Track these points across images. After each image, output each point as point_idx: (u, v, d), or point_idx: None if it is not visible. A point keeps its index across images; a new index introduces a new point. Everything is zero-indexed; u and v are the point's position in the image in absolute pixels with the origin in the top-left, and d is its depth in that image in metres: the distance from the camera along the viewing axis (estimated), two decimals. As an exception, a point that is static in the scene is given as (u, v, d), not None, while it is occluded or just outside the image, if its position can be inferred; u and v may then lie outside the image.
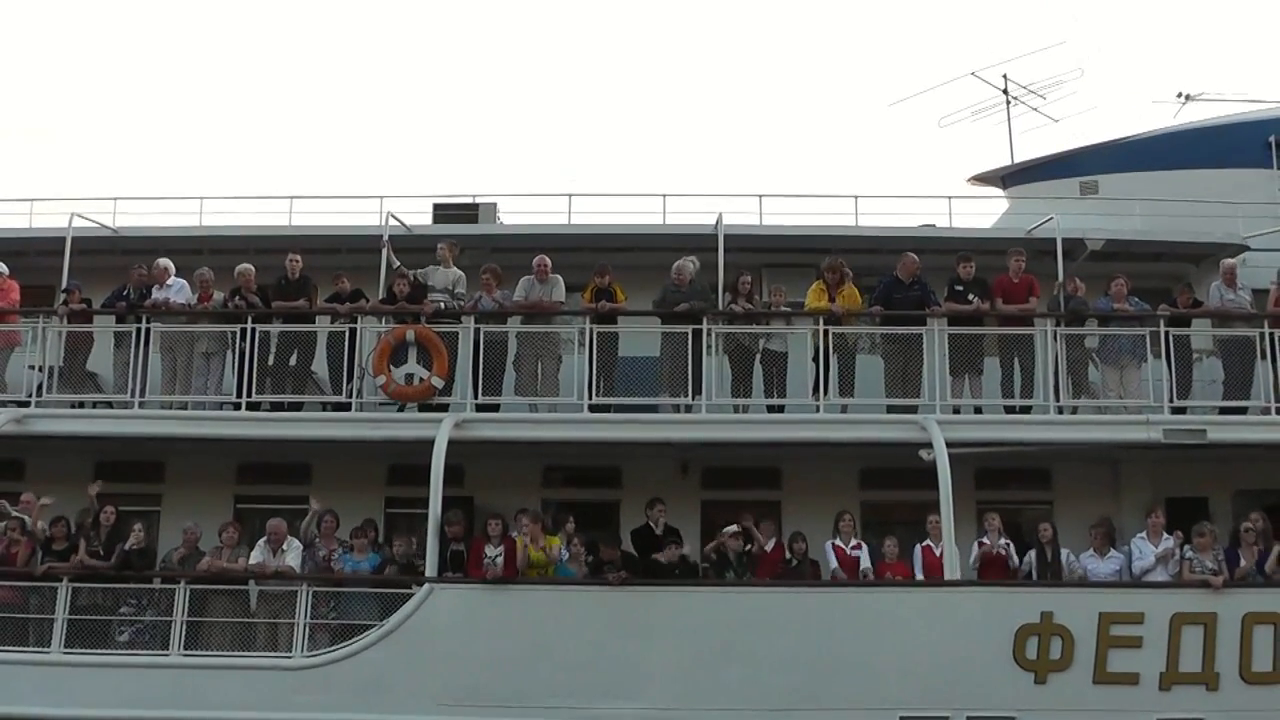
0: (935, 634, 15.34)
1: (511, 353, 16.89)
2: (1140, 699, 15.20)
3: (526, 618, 15.43)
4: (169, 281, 17.65)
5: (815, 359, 16.85)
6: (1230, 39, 60.47)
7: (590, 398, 16.56)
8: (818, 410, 16.72)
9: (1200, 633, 15.32)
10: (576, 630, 15.38)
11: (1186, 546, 16.10)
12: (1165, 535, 16.23)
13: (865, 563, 16.35)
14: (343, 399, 16.88)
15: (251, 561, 15.85)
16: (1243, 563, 16.02)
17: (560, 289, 17.27)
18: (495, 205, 21.01)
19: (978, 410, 17.14)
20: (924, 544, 16.26)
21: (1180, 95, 24.20)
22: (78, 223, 18.97)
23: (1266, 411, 17.06)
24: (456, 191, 22.51)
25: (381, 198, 19.98)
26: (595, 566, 15.87)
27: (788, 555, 16.51)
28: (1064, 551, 16.34)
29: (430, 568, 15.47)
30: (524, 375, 16.85)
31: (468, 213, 20.72)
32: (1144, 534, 16.32)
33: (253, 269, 17.52)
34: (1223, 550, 16.12)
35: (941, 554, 15.83)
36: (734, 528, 16.16)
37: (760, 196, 20.48)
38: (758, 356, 17.02)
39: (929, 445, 15.81)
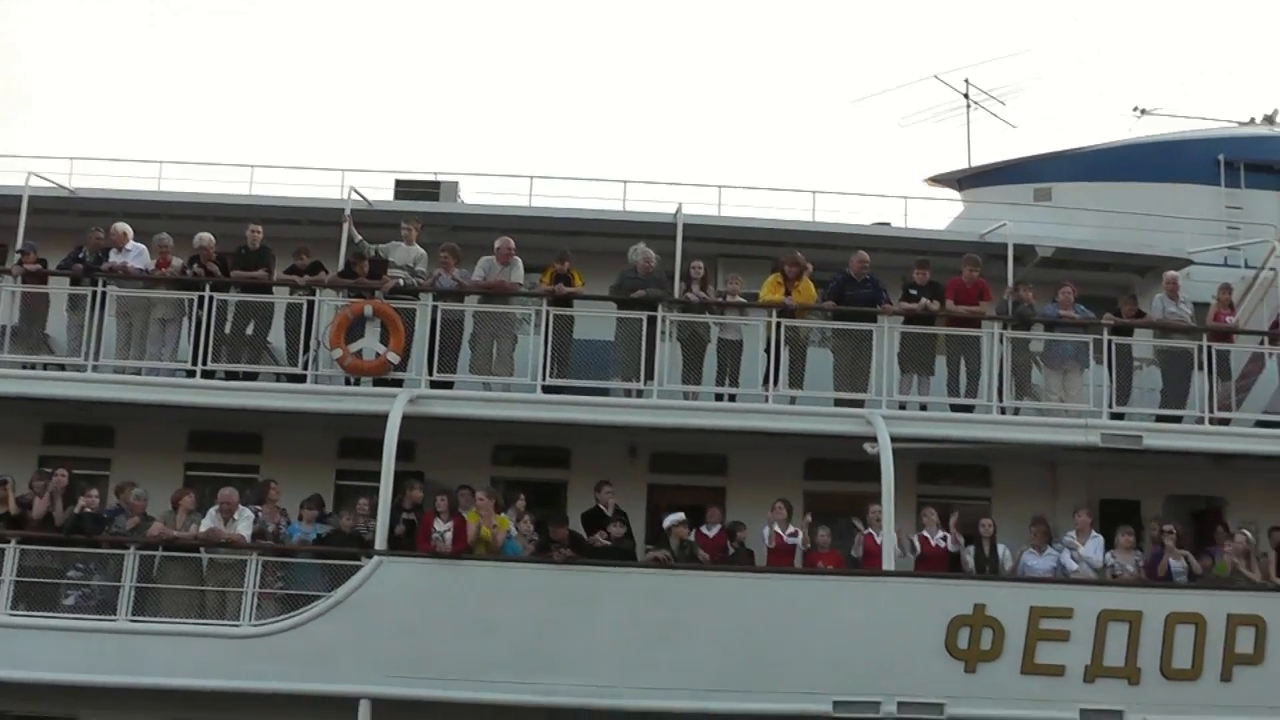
0: (870, 622, 15.75)
1: (468, 332, 17.07)
2: (1065, 690, 15.73)
3: (474, 593, 15.69)
4: (127, 246, 17.65)
5: (767, 350, 17.16)
6: (1188, 58, 61.32)
7: (544, 379, 16.78)
8: (767, 400, 17.02)
9: (1126, 629, 15.85)
10: (522, 607, 15.63)
11: (1110, 553, 16.66)
12: (1093, 533, 16.79)
13: (799, 555, 16.73)
14: (298, 370, 16.99)
15: (202, 529, 15.95)
16: (1171, 564, 16.56)
17: (519, 271, 17.48)
18: (457, 184, 21.13)
19: (923, 407, 17.49)
20: (865, 532, 16.65)
21: (1136, 109, 24.71)
22: (34, 182, 18.87)
23: (1201, 421, 17.53)
24: (419, 168, 22.60)
25: (343, 171, 20.11)
26: (543, 545, 16.14)
27: (728, 543, 16.84)
28: (1000, 547, 16.83)
29: (380, 541, 15.66)
30: (479, 354, 17.03)
31: (429, 190, 20.85)
32: (1073, 532, 16.87)
33: (212, 239, 17.58)
34: (1143, 554, 16.79)
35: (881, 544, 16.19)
36: (679, 515, 16.50)
37: (720, 188, 20.77)
38: (711, 345, 17.30)
39: (874, 439, 16.18)
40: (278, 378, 17.19)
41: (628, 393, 17.02)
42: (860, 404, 17.00)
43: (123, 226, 17.79)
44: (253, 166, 20.59)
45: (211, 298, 17.02)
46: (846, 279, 17.75)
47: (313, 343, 17.01)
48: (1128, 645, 15.84)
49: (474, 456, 17.89)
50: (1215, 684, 15.97)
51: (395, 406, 16.07)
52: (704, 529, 16.89)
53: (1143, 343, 18.15)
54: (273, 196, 19.72)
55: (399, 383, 16.90)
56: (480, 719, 15.77)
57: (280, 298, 17.41)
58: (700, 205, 20.03)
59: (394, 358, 16.76)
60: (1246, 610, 16.12)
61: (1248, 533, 17.00)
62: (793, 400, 17.16)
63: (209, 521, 15.99)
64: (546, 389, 16.78)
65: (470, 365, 17.06)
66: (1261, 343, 18.78)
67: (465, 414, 16.76)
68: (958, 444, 17.13)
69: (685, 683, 15.45)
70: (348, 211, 18.29)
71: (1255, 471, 18.31)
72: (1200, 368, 17.72)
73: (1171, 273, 18.80)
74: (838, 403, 17.12)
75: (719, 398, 17.33)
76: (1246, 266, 21.11)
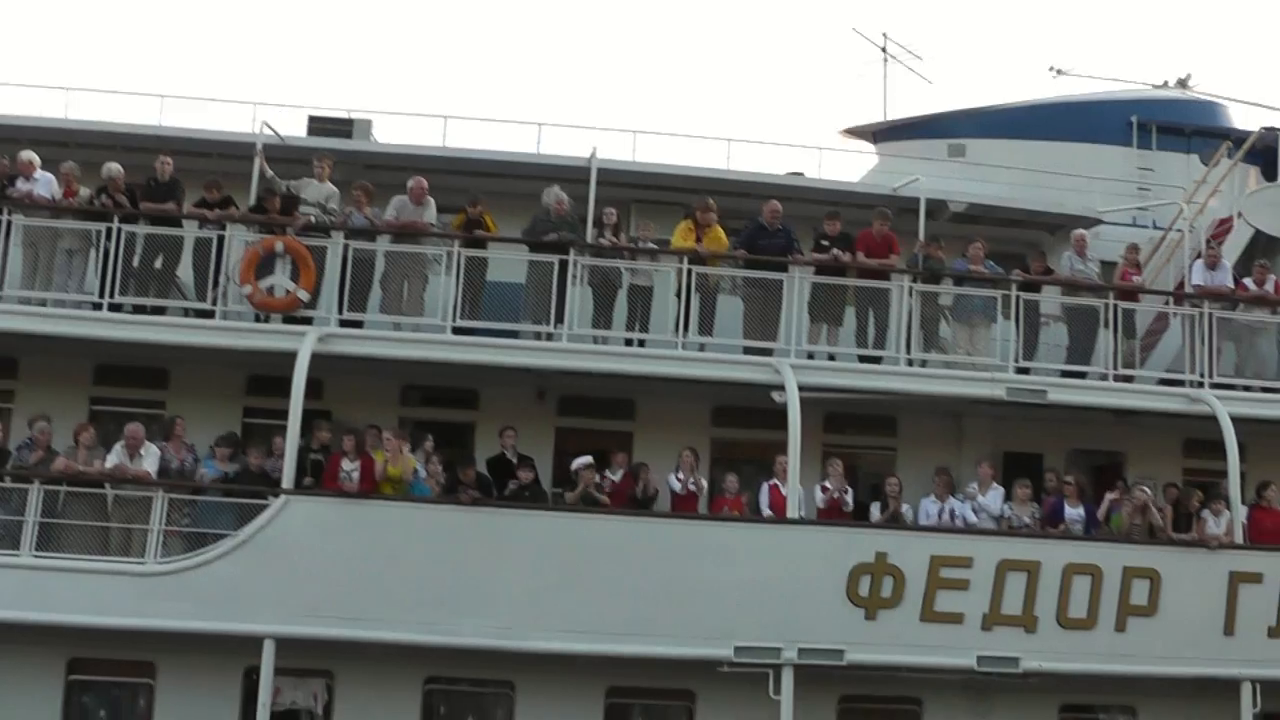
0: (774, 569, 15.93)
1: (379, 271, 16.96)
2: (963, 637, 16.07)
3: (380, 533, 15.67)
4: (35, 175, 17.30)
5: (678, 296, 17.22)
6: (1105, 19, 61.87)
7: (454, 320, 16.73)
8: (677, 347, 17.09)
9: (1024, 579, 16.18)
10: (428, 548, 15.66)
11: (1008, 504, 17.05)
12: (994, 485, 17.14)
13: (704, 502, 16.93)
14: (206, 306, 16.76)
15: (108, 465, 15.78)
16: (1071, 512, 17.03)
17: (432, 211, 17.36)
18: (370, 122, 20.94)
19: (831, 357, 17.64)
20: (770, 482, 16.83)
21: (1052, 69, 25.07)
22: (-66, 107, 18.49)
23: (1105, 378, 17.87)
24: (332, 105, 22.37)
25: (255, 104, 19.85)
26: (451, 486, 16.15)
27: (634, 486, 16.95)
28: (905, 507, 17.11)
29: (287, 480, 15.57)
30: (390, 294, 16.94)
31: (342, 127, 20.63)
32: (975, 483, 17.20)
33: (121, 170, 17.26)
34: (1040, 506, 17.21)
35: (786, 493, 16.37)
36: (586, 459, 16.57)
37: (635, 133, 20.80)
38: (622, 290, 17.34)
39: (781, 387, 16.31)
40: (186, 313, 16.92)
41: (537, 335, 17.00)
42: (769, 353, 17.10)
43: (29, 155, 17.39)
44: (163, 96, 20.24)
45: (120, 229, 16.70)
46: (759, 228, 17.82)
47: (222, 278, 16.78)
48: (1025, 594, 16.18)
49: (382, 396, 17.78)
50: (1109, 634, 16.39)
51: (304, 344, 15.95)
52: (609, 473, 16.97)
53: (1050, 299, 18.41)
54: (183, 128, 19.36)
55: (308, 321, 16.74)
56: (385, 659, 15.83)
57: (190, 231, 17.12)
58: (615, 150, 19.95)
59: (304, 295, 16.59)
60: (1142, 563, 16.53)
61: (1145, 488, 17.39)
62: (702, 347, 17.23)
63: (115, 457, 15.80)
64: (456, 330, 16.72)
65: (381, 305, 16.96)
66: (1166, 303, 19.12)
67: (374, 353, 16.64)
68: (865, 394, 17.31)
69: (589, 625, 15.58)
70: (259, 146, 18.06)
71: (1155, 428, 18.70)
72: (1106, 325, 18.03)
73: (1080, 231, 19.11)
74: (747, 351, 17.23)
75: (629, 343, 17.35)
76: (1155, 228, 21.58)
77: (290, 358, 15.81)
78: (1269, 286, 18.81)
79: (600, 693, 16.55)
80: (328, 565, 15.48)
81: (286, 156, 18.29)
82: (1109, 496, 17.29)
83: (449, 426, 17.94)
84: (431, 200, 17.36)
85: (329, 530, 15.62)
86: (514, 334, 17.09)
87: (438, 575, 15.58)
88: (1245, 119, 23.76)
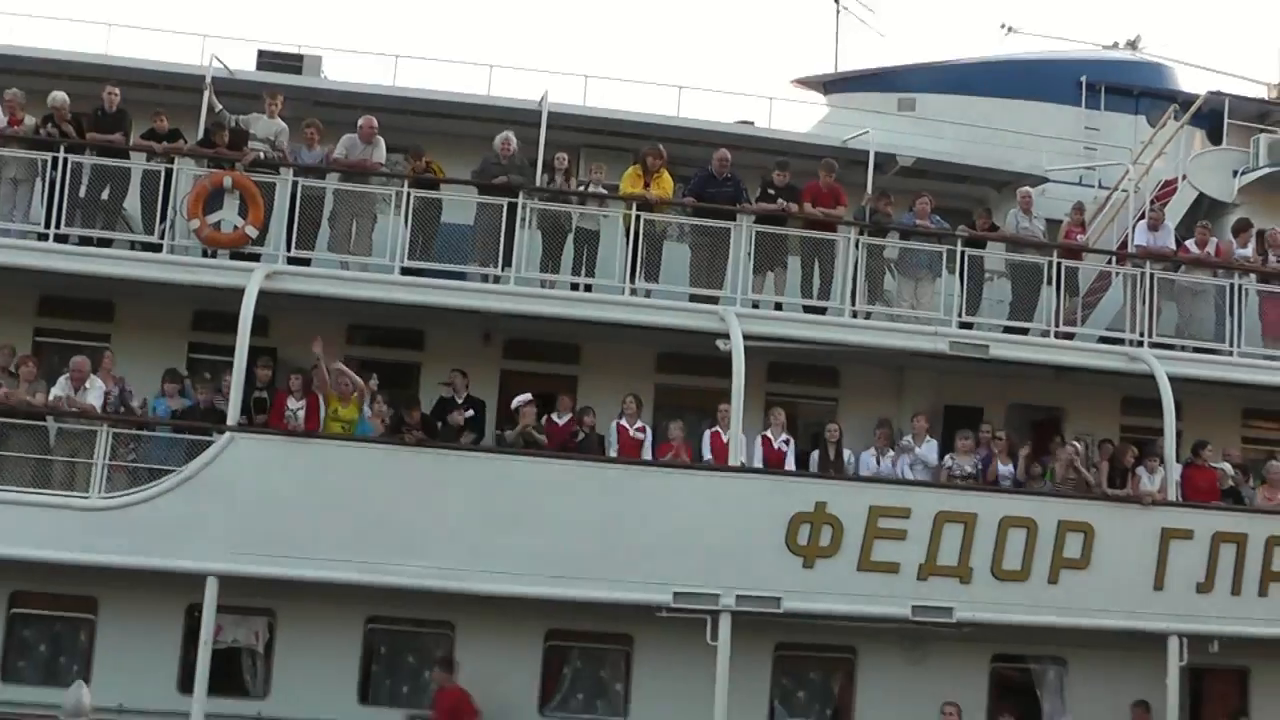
0: (714, 516, 16.04)
1: (328, 209, 16.87)
2: (899, 587, 16.27)
3: (324, 473, 15.64)
4: (-23, 102, 17.07)
5: (626, 236, 17.23)
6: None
7: (402, 260, 16.69)
8: (623, 293, 17.14)
9: (960, 530, 16.41)
10: (372, 488, 15.64)
11: (950, 455, 17.27)
12: (928, 438, 17.41)
13: (647, 448, 17.00)
14: (153, 239, 16.63)
15: (51, 397, 15.68)
16: (1002, 468, 17.29)
17: (381, 150, 17.26)
18: (320, 58, 20.74)
19: (777, 307, 17.74)
20: (713, 430, 16.96)
21: (1004, 26, 25.19)
22: (-122, 32, 18.13)
23: (1046, 334, 18.11)
24: (282, 40, 22.14)
25: (205, 36, 19.67)
26: (395, 426, 16.17)
27: (577, 429, 17.05)
28: (846, 451, 17.33)
29: (232, 417, 15.54)
30: (338, 233, 16.86)
31: (292, 63, 20.40)
32: (909, 435, 17.47)
33: (67, 99, 17.04)
34: (980, 458, 17.43)
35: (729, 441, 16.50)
36: (526, 396, 16.64)
37: (586, 77, 20.89)
38: (570, 235, 17.35)
39: (726, 336, 16.40)
40: (133, 245, 16.76)
41: (485, 278, 16.98)
42: (715, 301, 17.17)
43: (-29, 81, 17.16)
44: (110, 25, 19.99)
45: (66, 159, 16.50)
46: (708, 176, 17.83)
47: (169, 212, 16.64)
48: (961, 546, 16.42)
49: (329, 335, 17.57)
50: (1043, 586, 16.65)
51: (251, 281, 15.83)
52: (554, 416, 17.07)
53: (995, 255, 18.56)
54: (131, 58, 19.09)
55: (256, 257, 16.64)
56: (327, 598, 15.90)
57: (137, 163, 16.94)
58: (566, 94, 19.94)
59: (252, 231, 16.47)
60: (1077, 517, 16.81)
61: (1076, 443, 17.71)
62: (648, 294, 17.27)
63: (59, 390, 15.69)
64: (405, 271, 16.67)
65: (329, 243, 16.88)
66: (1109, 262, 19.35)
67: (322, 292, 16.52)
68: (809, 345, 17.42)
69: (530, 568, 15.63)
70: (209, 79, 17.92)
71: (1094, 385, 19.02)
72: (1049, 283, 18.21)
73: (1026, 189, 19.24)
74: (693, 298, 17.28)
75: (575, 287, 17.39)
76: (1101, 187, 21.74)
77: (237, 294, 15.69)
78: (1211, 249, 19.10)
79: (539, 635, 16.71)
80: (272, 503, 15.46)
81: (235, 91, 18.16)
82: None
83: (396, 367, 17.96)
84: (381, 140, 17.27)
85: (274, 468, 15.59)
86: (461, 276, 17.04)
87: (381, 516, 15.56)
88: (1193, 82, 24.00)
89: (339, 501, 15.55)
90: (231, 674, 16.14)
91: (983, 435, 17.71)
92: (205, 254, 16.76)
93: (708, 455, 16.92)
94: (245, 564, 15.24)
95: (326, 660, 16.30)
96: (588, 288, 17.37)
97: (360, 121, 17.25)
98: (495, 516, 15.70)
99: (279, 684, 16.26)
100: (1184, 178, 21.54)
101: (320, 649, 16.29)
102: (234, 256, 16.66)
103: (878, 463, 17.36)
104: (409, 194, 16.73)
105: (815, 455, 17.38)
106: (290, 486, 15.55)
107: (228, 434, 15.45)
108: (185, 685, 15.57)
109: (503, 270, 16.82)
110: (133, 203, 16.94)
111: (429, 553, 15.60)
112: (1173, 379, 17.29)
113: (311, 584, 15.55)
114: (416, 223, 16.75)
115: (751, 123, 21.16)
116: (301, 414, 15.86)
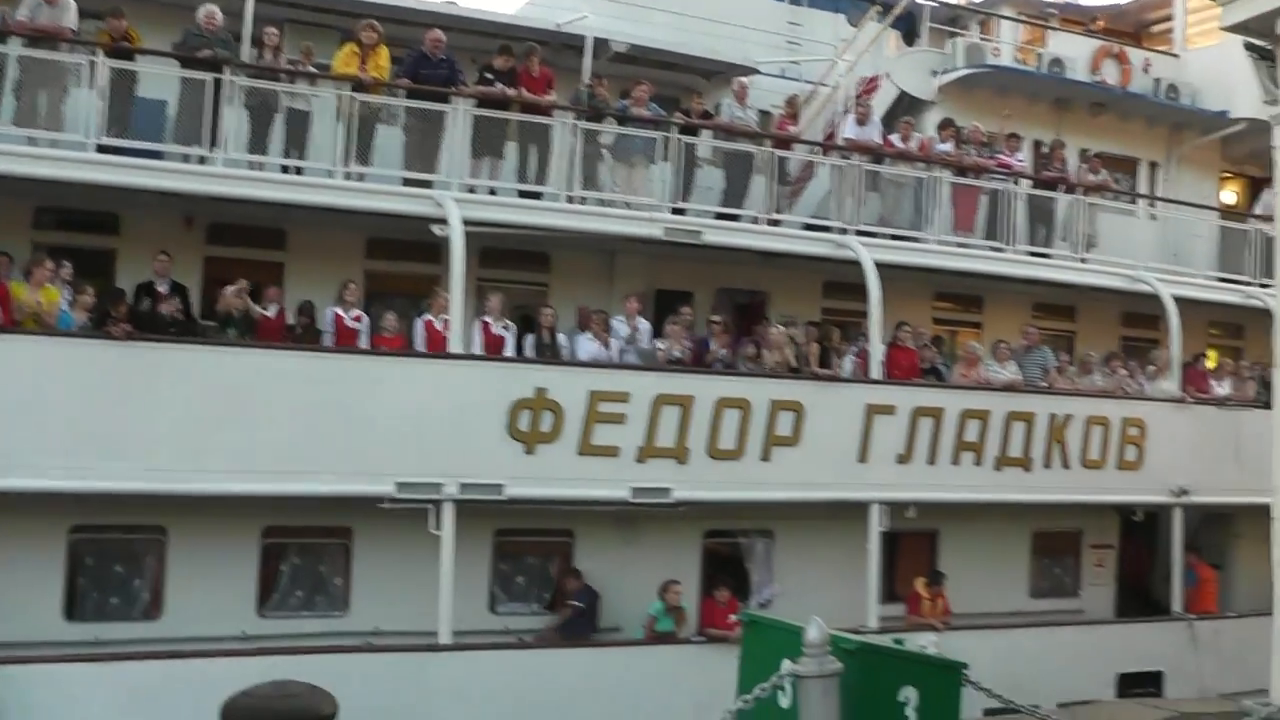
0: (434, 404, 15.71)
1: (11, 79, 15.31)
2: (618, 469, 16.43)
3: (21, 370, 14.26)
4: None
5: (339, 120, 16.50)
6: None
7: (97, 138, 15.39)
8: (334, 176, 16.46)
9: (677, 412, 16.68)
10: (76, 386, 14.40)
11: (659, 339, 17.53)
12: (639, 320, 17.66)
13: (365, 337, 16.53)
14: None
15: None
16: (712, 349, 17.71)
17: (72, 15, 15.79)
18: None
19: (492, 192, 17.41)
20: (425, 318, 16.61)
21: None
22: None
23: (756, 221, 18.51)
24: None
25: None
26: (100, 319, 15.02)
27: (291, 321, 16.43)
28: (560, 335, 17.29)
29: (-90, 312, 14.09)
30: (24, 105, 15.33)
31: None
32: (622, 317, 17.69)
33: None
34: (691, 339, 17.83)
35: (444, 328, 16.22)
36: (238, 285, 15.90)
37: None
38: (279, 115, 16.49)
39: (443, 220, 15.97)
40: None
41: (187, 158, 15.96)
42: (429, 185, 16.74)
43: None
44: None
45: None
46: (421, 57, 17.26)
47: None
48: (679, 427, 16.69)
49: (14, 219, 16.24)
50: (756, 463, 17.17)
51: (-75, 159, 14.40)
52: (264, 309, 16.27)
53: (708, 144, 18.78)
54: None
55: (-72, 134, 15.15)
56: (26, 508, 14.63)
57: None
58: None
59: (-78, 104, 14.99)
60: (787, 396, 17.34)
61: (780, 326, 18.22)
62: (361, 177, 16.65)
63: None
64: (100, 149, 15.37)
65: (14, 117, 15.36)
66: (814, 151, 19.84)
67: (6, 170, 14.91)
68: (527, 230, 17.24)
69: (246, 465, 14.83)
70: None
71: (797, 270, 19.58)
72: (759, 172, 18.60)
73: (742, 79, 19.60)
74: (406, 183, 16.77)
75: (285, 170, 16.58)
76: (804, 81, 22.28)
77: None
78: (914, 144, 19.87)
79: (255, 534, 16.12)
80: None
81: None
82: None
83: (90, 253, 16.60)
84: (72, 2, 15.83)
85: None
86: (160, 155, 15.94)
87: (85, 416, 14.37)
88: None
89: (39, 402, 14.17)
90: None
91: (689, 317, 17.99)
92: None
93: (421, 344, 16.52)
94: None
95: (28, 574, 14.96)
96: (299, 171, 16.59)
97: (44, -19, 15.80)
98: (208, 411, 14.76)
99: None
100: (887, 76, 22.22)
101: (21, 563, 14.87)
102: (-98, 133, 15.11)
103: (608, 346, 17.40)
104: (105, 64, 15.47)
105: (531, 339, 17.24)
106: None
107: (-95, 331, 14.02)
108: None
109: (209, 151, 15.86)
110: None
111: (138, 454, 14.48)
112: (877, 265, 17.91)
113: (8, 493, 14.15)
114: (113, 96, 15.55)
115: (454, 3, 20.56)
116: (-12, 303, 14.59)
